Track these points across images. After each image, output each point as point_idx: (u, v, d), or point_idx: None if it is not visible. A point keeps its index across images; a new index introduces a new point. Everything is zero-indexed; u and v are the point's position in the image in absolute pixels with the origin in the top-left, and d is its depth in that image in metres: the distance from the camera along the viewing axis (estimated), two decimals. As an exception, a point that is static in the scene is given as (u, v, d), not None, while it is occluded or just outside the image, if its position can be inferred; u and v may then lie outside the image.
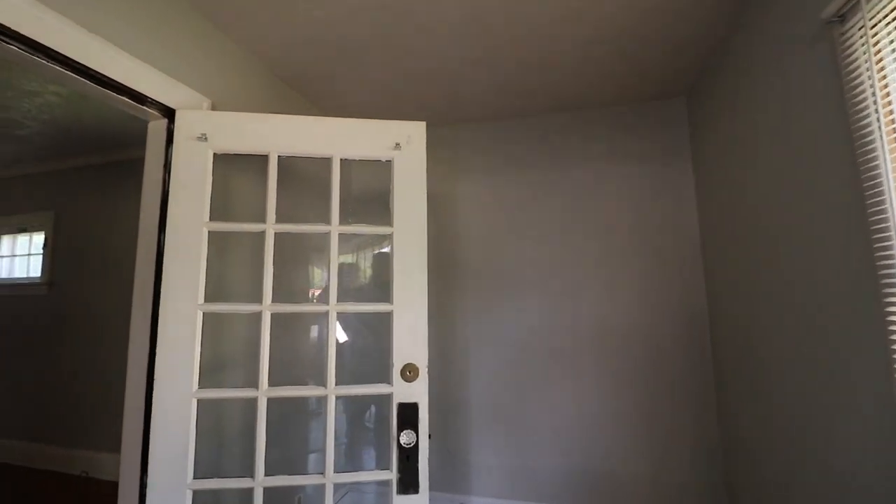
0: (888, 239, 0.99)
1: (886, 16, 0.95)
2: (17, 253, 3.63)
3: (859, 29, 1.03)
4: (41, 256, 3.44)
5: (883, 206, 1.00)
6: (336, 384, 1.44)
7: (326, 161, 1.54)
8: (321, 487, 1.40)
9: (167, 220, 1.42)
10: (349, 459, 2.56)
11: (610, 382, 2.30)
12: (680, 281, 2.26)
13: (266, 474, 1.38)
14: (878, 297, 1.05)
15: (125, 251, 3.23)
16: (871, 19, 0.98)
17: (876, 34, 0.98)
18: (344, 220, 1.52)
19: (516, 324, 2.48)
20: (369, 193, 1.74)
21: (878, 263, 1.03)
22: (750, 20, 1.64)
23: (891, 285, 1.00)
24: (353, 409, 2.57)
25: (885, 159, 0.99)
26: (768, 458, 1.71)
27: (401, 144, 1.54)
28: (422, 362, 1.47)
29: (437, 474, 2.46)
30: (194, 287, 1.41)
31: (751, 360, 1.81)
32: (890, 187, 0.97)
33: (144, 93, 1.41)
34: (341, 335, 2.34)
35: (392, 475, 1.41)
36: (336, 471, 1.41)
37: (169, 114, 1.53)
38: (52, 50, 1.16)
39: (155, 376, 1.36)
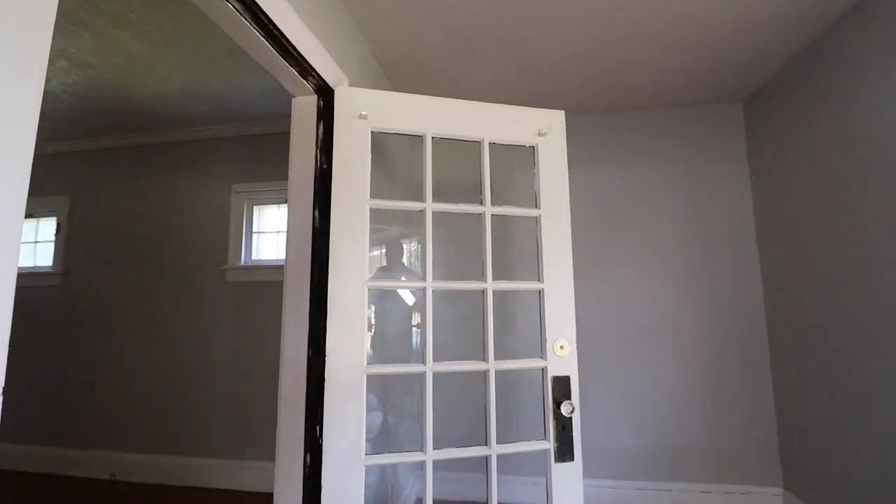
0: None
1: None
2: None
3: None
4: (53, 244, 3.16)
5: None
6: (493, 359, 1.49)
7: (466, 145, 1.59)
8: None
9: (332, 199, 1.42)
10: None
11: (674, 365, 2.48)
12: (737, 272, 2.48)
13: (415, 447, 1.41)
14: None
15: (150, 238, 3.06)
16: None
17: None
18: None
19: (583, 308, 2.60)
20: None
21: None
22: (851, 22, 1.84)
23: None
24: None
25: None
26: (820, 429, 1.92)
27: (543, 131, 1.62)
28: (571, 338, 1.55)
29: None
30: (361, 264, 1.41)
31: (805, 345, 2.03)
32: None
33: (313, 65, 1.40)
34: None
35: (550, 444, 1.48)
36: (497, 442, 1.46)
37: (321, 90, 1.52)
38: (262, 11, 1.14)
39: (326, 351, 1.35)
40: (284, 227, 3.16)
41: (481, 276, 1.53)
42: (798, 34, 1.95)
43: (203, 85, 2.51)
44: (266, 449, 2.77)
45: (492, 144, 1.60)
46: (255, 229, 3.18)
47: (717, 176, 2.56)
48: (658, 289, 2.55)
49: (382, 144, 2.07)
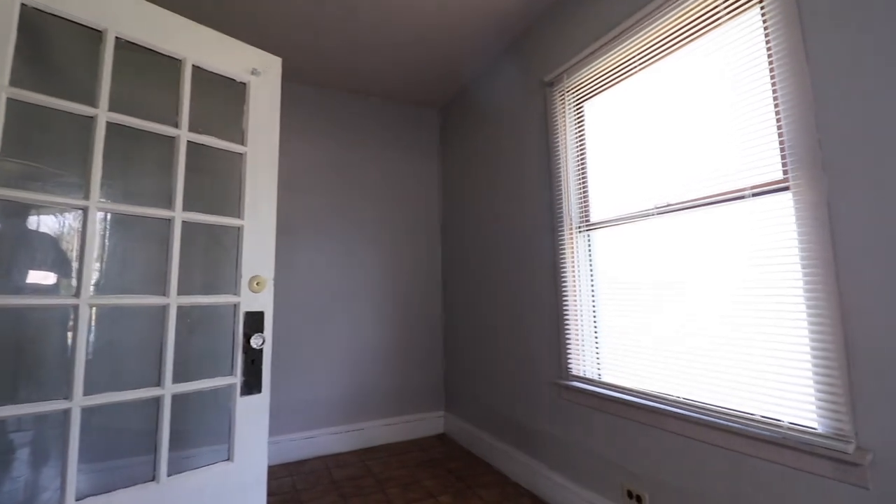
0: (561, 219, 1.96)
1: (576, 86, 1.89)
2: None
3: (559, 93, 1.97)
4: None
5: (561, 214, 1.96)
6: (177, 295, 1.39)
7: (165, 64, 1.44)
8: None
9: (-69, 65, 1.03)
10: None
11: (372, 323, 2.84)
12: (426, 243, 3.05)
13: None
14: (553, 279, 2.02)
15: None
16: (568, 89, 1.92)
17: (576, 96, 1.92)
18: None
19: (293, 273, 2.68)
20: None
21: (557, 250, 2.00)
22: (494, 70, 2.56)
23: (563, 278, 1.97)
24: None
25: (566, 173, 1.95)
26: (466, 368, 2.64)
27: (258, 71, 1.62)
28: (269, 275, 1.60)
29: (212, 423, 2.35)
30: (-19, 163, 1.08)
31: (461, 303, 2.73)
32: (567, 199, 1.94)
33: None
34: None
35: (236, 379, 1.49)
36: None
37: (-78, -84, 1.08)
38: None
39: None
40: None
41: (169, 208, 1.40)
42: (471, 64, 2.59)
43: None
44: None
45: (196, 69, 1.49)
46: None
47: (418, 163, 3.09)
48: (362, 255, 2.87)
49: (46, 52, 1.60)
